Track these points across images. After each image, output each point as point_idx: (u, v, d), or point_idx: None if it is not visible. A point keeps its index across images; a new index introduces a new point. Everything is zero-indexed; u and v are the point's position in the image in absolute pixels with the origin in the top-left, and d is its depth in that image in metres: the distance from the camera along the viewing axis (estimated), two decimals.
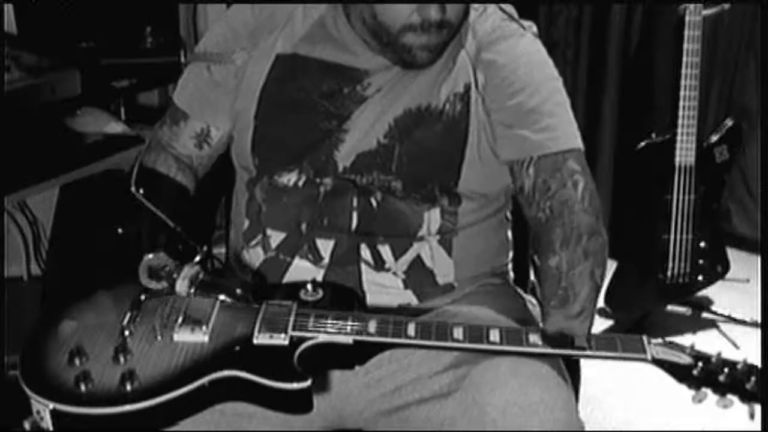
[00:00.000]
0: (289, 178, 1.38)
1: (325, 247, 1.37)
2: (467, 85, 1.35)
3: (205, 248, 1.26)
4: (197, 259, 1.24)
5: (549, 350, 1.21)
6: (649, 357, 1.20)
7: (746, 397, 1.19)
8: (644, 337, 1.22)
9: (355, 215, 1.36)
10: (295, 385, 1.13)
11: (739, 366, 1.20)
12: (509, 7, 1.41)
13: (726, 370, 1.19)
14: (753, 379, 1.18)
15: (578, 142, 1.33)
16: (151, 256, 1.25)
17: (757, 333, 2.66)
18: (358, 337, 1.21)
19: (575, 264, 1.25)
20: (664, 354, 1.21)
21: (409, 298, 1.39)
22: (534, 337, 1.22)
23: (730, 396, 1.19)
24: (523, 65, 1.34)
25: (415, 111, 1.34)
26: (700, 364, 1.20)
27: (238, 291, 1.25)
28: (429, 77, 1.35)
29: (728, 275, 2.63)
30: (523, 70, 1.33)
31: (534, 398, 1.18)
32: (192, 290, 1.22)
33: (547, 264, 1.27)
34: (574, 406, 1.24)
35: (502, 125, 1.33)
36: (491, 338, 1.22)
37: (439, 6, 1.24)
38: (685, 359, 1.21)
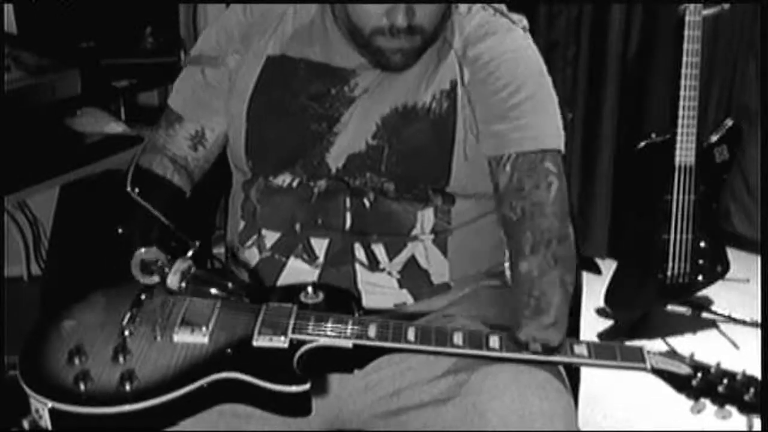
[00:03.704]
0: (284, 179, 1.38)
1: (320, 246, 1.37)
2: (453, 82, 1.33)
3: (198, 243, 1.26)
4: (190, 253, 1.24)
5: (548, 358, 1.22)
6: (648, 367, 1.21)
7: (744, 409, 1.19)
8: (643, 347, 1.22)
9: (348, 215, 1.36)
10: (293, 388, 1.13)
11: (738, 377, 1.20)
12: (498, 4, 1.39)
13: (725, 380, 1.19)
14: (752, 390, 1.19)
15: (557, 143, 1.31)
16: (143, 250, 1.25)
17: (757, 333, 2.65)
18: (358, 341, 1.21)
19: (546, 271, 1.24)
20: (663, 364, 1.21)
21: (405, 297, 1.39)
22: (534, 345, 1.22)
23: (728, 407, 1.19)
24: (508, 61, 1.32)
25: (402, 110, 1.34)
26: (699, 374, 1.20)
27: (230, 285, 1.25)
28: (415, 75, 1.34)
29: (728, 275, 2.63)
30: (507, 66, 1.31)
31: (533, 407, 1.18)
32: (183, 284, 1.22)
33: (518, 270, 1.26)
34: (573, 414, 1.24)
35: (483, 121, 1.32)
36: (491, 344, 1.22)
37: (406, 12, 1.22)
38: (685, 369, 1.21)
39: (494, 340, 1.22)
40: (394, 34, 1.24)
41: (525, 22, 1.39)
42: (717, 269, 2.61)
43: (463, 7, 1.36)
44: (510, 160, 1.29)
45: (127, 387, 1.13)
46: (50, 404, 1.12)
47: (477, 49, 1.33)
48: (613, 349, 1.22)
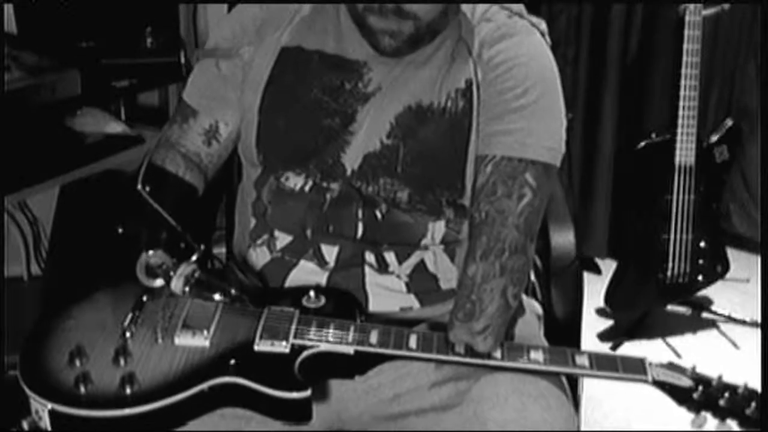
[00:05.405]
0: (296, 182, 1.37)
1: (330, 252, 1.36)
2: (468, 80, 1.32)
3: (203, 247, 1.25)
4: (194, 258, 1.23)
5: (550, 368, 1.21)
6: (649, 379, 1.20)
7: (745, 423, 1.19)
8: (645, 359, 1.22)
9: (360, 225, 1.35)
10: (294, 395, 1.13)
11: (739, 390, 1.20)
12: (517, 5, 1.37)
13: (726, 394, 1.19)
14: (753, 404, 1.18)
15: (549, 156, 1.27)
16: (150, 253, 1.23)
17: (757, 333, 2.66)
18: (360, 348, 1.21)
19: (489, 278, 1.22)
20: (664, 376, 1.21)
21: (412, 301, 1.39)
22: (535, 354, 1.22)
23: (729, 421, 1.19)
24: (519, 65, 1.30)
25: (416, 108, 1.32)
26: (700, 387, 1.20)
27: (233, 291, 1.24)
28: (429, 73, 1.33)
29: (728, 275, 2.63)
30: (519, 69, 1.29)
31: (535, 416, 1.18)
32: (187, 288, 1.21)
33: (465, 272, 1.25)
34: (574, 423, 1.24)
35: (483, 121, 1.30)
36: (493, 354, 1.22)
37: None
38: (686, 382, 1.21)
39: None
40: (383, 13, 1.23)
41: (544, 26, 1.36)
42: (717, 269, 2.61)
43: (479, 9, 1.34)
44: (493, 161, 1.27)
45: (128, 390, 1.13)
46: (50, 406, 1.12)
47: (492, 50, 1.31)
48: (615, 360, 1.22)
